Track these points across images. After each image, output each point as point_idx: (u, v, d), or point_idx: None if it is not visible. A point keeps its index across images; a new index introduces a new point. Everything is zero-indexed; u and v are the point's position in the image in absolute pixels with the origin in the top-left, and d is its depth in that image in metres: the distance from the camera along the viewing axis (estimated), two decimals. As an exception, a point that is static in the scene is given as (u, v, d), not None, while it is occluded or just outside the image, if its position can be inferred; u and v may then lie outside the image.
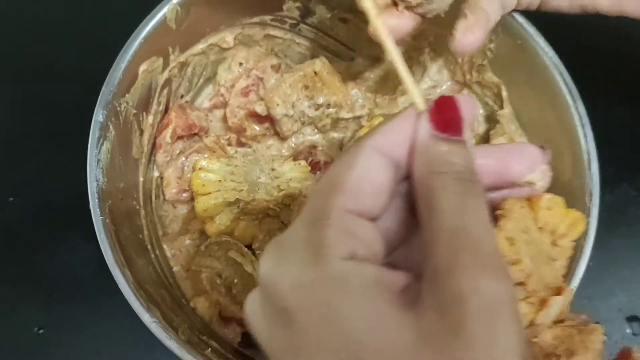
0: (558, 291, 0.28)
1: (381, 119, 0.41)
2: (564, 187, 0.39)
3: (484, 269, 0.19)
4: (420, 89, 0.23)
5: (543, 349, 0.31)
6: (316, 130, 0.44)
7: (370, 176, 0.21)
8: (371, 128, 0.23)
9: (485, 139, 0.45)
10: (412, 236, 0.24)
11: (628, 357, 0.33)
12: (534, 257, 0.27)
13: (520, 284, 0.26)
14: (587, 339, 0.31)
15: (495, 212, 0.26)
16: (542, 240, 0.28)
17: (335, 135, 0.45)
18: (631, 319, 0.46)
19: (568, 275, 0.35)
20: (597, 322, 0.32)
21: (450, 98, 0.22)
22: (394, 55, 0.25)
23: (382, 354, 0.18)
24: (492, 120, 0.45)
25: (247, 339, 0.40)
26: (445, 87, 0.46)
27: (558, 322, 0.31)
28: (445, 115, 0.22)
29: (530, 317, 0.27)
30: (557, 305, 0.28)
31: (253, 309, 0.21)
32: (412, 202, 0.23)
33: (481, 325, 0.18)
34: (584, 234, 0.33)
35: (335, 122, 0.44)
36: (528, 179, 0.24)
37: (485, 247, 0.19)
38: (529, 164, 0.24)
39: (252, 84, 0.43)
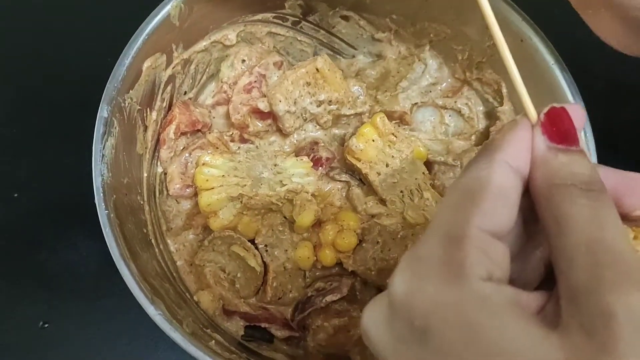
0: None
1: (383, 114, 0.41)
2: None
3: (630, 283, 0.18)
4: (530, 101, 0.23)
5: None
6: (318, 127, 0.45)
7: (506, 194, 0.21)
8: (492, 139, 0.22)
9: (485, 135, 0.45)
10: (523, 252, 0.23)
11: None
12: None
13: None
14: None
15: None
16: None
17: (336, 131, 0.46)
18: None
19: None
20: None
21: (562, 109, 0.22)
22: (512, 66, 0.25)
23: None
24: (492, 116, 0.45)
25: (250, 333, 0.40)
26: (446, 84, 0.47)
27: None
28: (559, 127, 0.21)
29: None
30: None
31: (376, 323, 0.21)
32: (525, 217, 0.23)
33: (632, 345, 0.17)
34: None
35: (337, 119, 0.45)
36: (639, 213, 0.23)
37: (627, 259, 0.18)
38: None
39: (255, 81, 0.43)
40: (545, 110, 0.22)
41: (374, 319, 0.21)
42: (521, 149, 0.22)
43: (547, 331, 0.18)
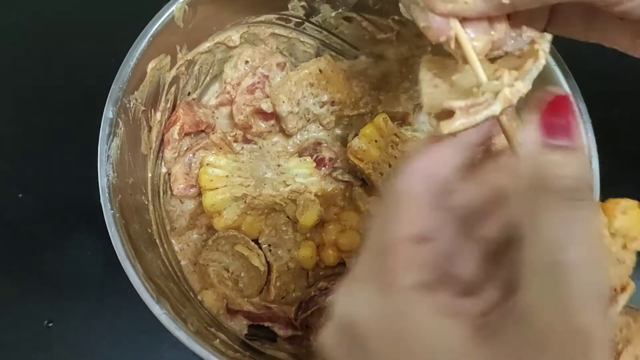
0: (623, 288, 0.28)
1: (385, 115, 0.41)
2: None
3: (584, 311, 0.18)
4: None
5: None
6: (321, 127, 0.45)
7: (419, 200, 0.21)
8: (414, 150, 0.23)
9: (487, 135, 0.45)
10: (466, 252, 0.23)
11: None
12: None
13: None
14: None
15: None
16: (613, 243, 0.28)
17: (339, 132, 0.46)
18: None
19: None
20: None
21: (566, 98, 0.20)
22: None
23: None
24: (493, 117, 0.45)
25: (254, 332, 0.41)
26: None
27: None
28: (557, 119, 0.19)
29: None
30: (623, 300, 0.28)
31: (331, 343, 0.22)
32: (463, 217, 0.23)
33: None
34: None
35: (339, 119, 0.45)
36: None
37: (588, 283, 0.18)
38: None
39: (258, 82, 0.43)
40: (548, 97, 0.20)
41: (329, 341, 0.22)
42: (434, 160, 0.22)
43: (477, 343, 0.18)
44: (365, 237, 0.22)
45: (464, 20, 0.24)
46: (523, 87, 0.22)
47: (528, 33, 0.26)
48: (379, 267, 0.21)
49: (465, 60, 0.25)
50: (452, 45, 0.23)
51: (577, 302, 0.18)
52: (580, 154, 0.19)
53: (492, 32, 0.24)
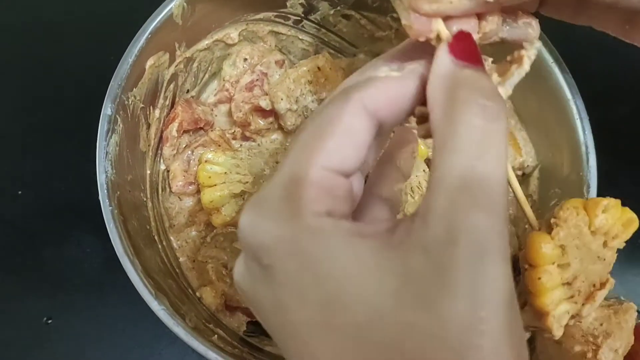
0: (603, 284, 0.29)
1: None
2: (563, 180, 0.40)
3: (481, 208, 0.18)
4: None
5: (583, 330, 0.32)
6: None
7: (353, 133, 0.20)
8: (360, 80, 0.21)
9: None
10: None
11: None
12: (582, 259, 0.27)
13: (567, 284, 0.27)
14: (622, 319, 0.32)
15: (550, 220, 0.27)
16: (594, 241, 0.28)
17: (337, 129, 0.46)
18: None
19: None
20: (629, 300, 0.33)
21: (468, 33, 0.21)
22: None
23: (364, 302, 0.18)
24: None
25: (252, 328, 0.41)
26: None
27: None
28: (465, 46, 0.21)
29: (572, 313, 0.28)
30: (602, 297, 0.29)
31: (240, 272, 0.21)
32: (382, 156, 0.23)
33: (467, 268, 0.17)
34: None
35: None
36: None
37: (491, 189, 0.18)
38: None
39: (257, 79, 0.43)
40: (454, 34, 0.21)
41: (238, 269, 0.22)
42: (385, 93, 0.21)
43: (386, 254, 0.18)
44: (285, 157, 0.21)
45: (450, 17, 0.24)
46: (503, 92, 0.22)
47: (524, 19, 0.26)
48: (289, 192, 0.20)
49: None
50: (434, 43, 0.23)
51: (474, 203, 0.18)
52: (490, 77, 0.21)
53: (484, 24, 0.24)
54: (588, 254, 0.28)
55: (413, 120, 0.23)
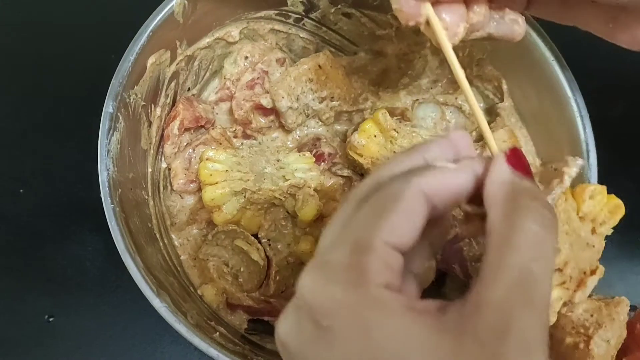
0: (593, 272, 0.29)
1: (384, 110, 0.42)
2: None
3: (534, 309, 0.20)
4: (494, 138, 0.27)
5: (574, 322, 0.32)
6: (320, 123, 0.45)
7: (413, 214, 0.22)
8: (423, 167, 0.24)
9: (486, 131, 0.46)
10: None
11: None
12: (572, 245, 0.28)
13: (558, 270, 0.28)
14: (613, 311, 0.33)
15: None
16: (583, 227, 0.29)
17: (338, 127, 0.46)
18: (630, 308, 0.47)
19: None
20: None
21: (520, 150, 0.24)
22: (476, 107, 0.26)
23: None
24: (492, 113, 0.46)
25: (253, 326, 0.41)
26: (446, 80, 0.47)
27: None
28: (521, 161, 0.24)
29: (565, 300, 0.29)
30: (593, 283, 0.29)
31: (288, 328, 0.22)
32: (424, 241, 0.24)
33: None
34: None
35: (339, 115, 0.45)
36: None
37: (543, 292, 0.20)
38: None
39: (258, 78, 0.43)
40: (511, 147, 0.24)
41: (286, 325, 0.23)
42: (441, 183, 0.23)
43: (441, 335, 0.20)
44: (350, 223, 0.23)
45: (439, 3, 0.25)
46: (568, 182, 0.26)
47: (511, 16, 0.26)
48: (355, 261, 0.21)
49: (439, 46, 0.25)
50: (422, 28, 0.23)
51: (528, 301, 0.20)
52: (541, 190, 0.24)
53: (471, 15, 0.24)
54: (577, 240, 0.28)
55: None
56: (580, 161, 0.27)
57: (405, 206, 0.22)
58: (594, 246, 0.29)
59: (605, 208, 0.30)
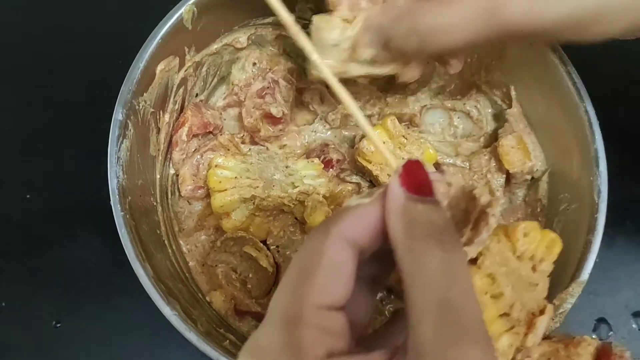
0: (542, 311, 0.28)
1: (393, 117, 0.41)
2: (573, 185, 0.40)
3: (470, 341, 0.19)
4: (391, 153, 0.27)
5: None
6: (328, 127, 0.45)
7: (339, 267, 0.21)
8: (336, 213, 0.23)
9: (494, 137, 0.46)
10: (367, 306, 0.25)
11: (609, 354, 0.33)
12: (515, 286, 0.27)
13: (505, 314, 0.27)
14: (572, 352, 0.32)
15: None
16: (522, 267, 0.28)
17: (346, 133, 0.46)
18: (637, 314, 0.47)
19: (575, 274, 0.36)
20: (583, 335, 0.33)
21: (417, 161, 0.23)
22: (363, 124, 0.26)
23: None
24: (500, 119, 0.46)
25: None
26: (454, 86, 0.47)
27: (545, 338, 0.31)
28: (415, 178, 0.22)
29: (517, 345, 0.27)
30: (543, 324, 0.28)
31: None
32: (366, 280, 0.24)
33: None
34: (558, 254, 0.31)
35: (345, 119, 0.45)
36: None
37: (471, 317, 0.19)
38: None
39: (268, 87, 0.43)
40: (402, 163, 0.23)
41: None
42: (365, 222, 0.22)
43: None
44: (274, 299, 0.22)
45: None
46: (471, 250, 0.24)
47: None
48: (290, 338, 0.20)
49: None
50: None
51: (461, 335, 0.19)
52: (441, 206, 0.22)
53: None
54: (519, 281, 0.27)
55: None
56: (502, 200, 0.26)
57: (330, 260, 0.21)
58: (537, 285, 0.28)
59: (541, 244, 0.28)
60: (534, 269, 0.28)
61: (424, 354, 0.19)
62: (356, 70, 0.34)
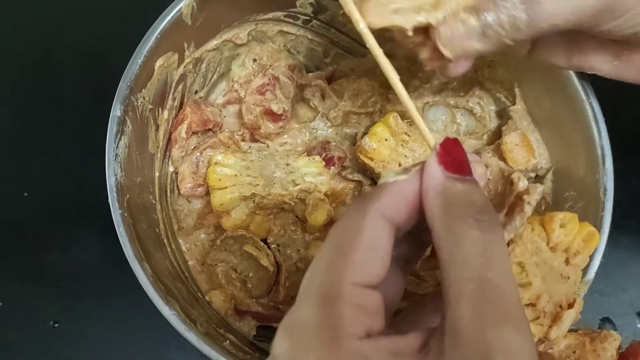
0: (570, 305, 0.28)
1: (395, 114, 0.41)
2: (578, 183, 0.39)
3: (509, 323, 0.18)
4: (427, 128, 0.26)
5: (555, 358, 0.31)
6: (329, 124, 0.45)
7: (377, 245, 0.21)
8: (374, 189, 0.23)
9: (497, 134, 0.45)
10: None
11: (637, 353, 0.33)
12: (545, 277, 0.26)
13: (531, 305, 0.26)
14: (598, 347, 0.31)
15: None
16: (555, 258, 0.27)
17: (347, 130, 0.46)
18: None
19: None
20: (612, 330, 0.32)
21: (455, 140, 0.22)
22: (405, 98, 0.26)
23: None
24: (504, 116, 0.45)
25: (262, 333, 0.40)
26: (457, 83, 0.47)
27: (570, 330, 0.30)
28: (454, 157, 0.22)
29: (539, 336, 0.27)
30: (570, 318, 0.27)
31: None
32: (399, 260, 0.23)
33: None
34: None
35: (347, 116, 0.45)
36: None
37: (510, 299, 0.19)
38: None
39: (268, 84, 0.43)
40: (440, 141, 0.22)
41: None
42: (397, 198, 0.22)
43: None
44: (311, 275, 0.21)
45: None
46: (507, 235, 0.24)
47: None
48: (328, 316, 0.20)
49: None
50: None
51: (500, 316, 0.19)
52: (480, 185, 0.22)
53: None
54: (550, 272, 0.27)
55: None
56: (540, 188, 0.25)
57: (368, 237, 0.21)
58: (568, 278, 0.28)
59: (578, 237, 0.28)
60: (567, 261, 0.28)
61: (463, 334, 0.18)
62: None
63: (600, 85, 0.39)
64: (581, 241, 0.28)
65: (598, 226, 0.36)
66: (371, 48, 0.26)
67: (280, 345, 0.21)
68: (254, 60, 0.45)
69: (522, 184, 0.24)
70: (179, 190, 0.42)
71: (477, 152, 0.25)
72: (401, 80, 0.47)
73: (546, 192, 0.42)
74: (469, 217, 0.20)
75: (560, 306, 0.28)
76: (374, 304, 0.21)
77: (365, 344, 0.19)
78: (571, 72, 0.39)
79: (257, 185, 0.39)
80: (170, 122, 0.42)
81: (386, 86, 0.46)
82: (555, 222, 0.27)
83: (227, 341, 0.35)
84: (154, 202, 0.40)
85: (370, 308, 0.20)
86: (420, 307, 0.26)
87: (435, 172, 0.22)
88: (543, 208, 0.42)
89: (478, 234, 0.20)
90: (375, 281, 0.21)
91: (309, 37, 0.47)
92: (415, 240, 0.25)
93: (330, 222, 0.41)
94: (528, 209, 0.24)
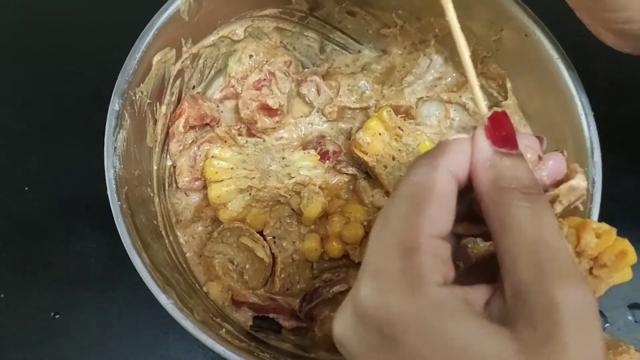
0: None
1: (389, 108, 0.42)
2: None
3: (569, 279, 0.20)
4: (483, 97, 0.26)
5: None
6: (324, 119, 0.45)
7: (447, 199, 0.22)
8: (436, 147, 0.24)
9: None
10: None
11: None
12: None
13: None
14: None
15: None
16: (579, 264, 0.26)
17: (342, 125, 0.46)
18: (633, 306, 0.47)
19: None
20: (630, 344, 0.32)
21: (503, 113, 0.23)
22: (467, 61, 0.26)
23: None
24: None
25: (258, 323, 0.41)
26: (451, 78, 0.47)
27: None
28: (501, 131, 0.23)
29: None
30: None
31: (349, 333, 0.22)
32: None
33: (573, 333, 0.19)
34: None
35: (342, 111, 0.45)
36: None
37: (564, 256, 0.20)
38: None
39: (264, 79, 0.43)
40: (489, 114, 0.23)
41: (344, 330, 0.22)
42: (461, 156, 0.23)
43: (498, 327, 0.20)
44: (387, 226, 0.22)
45: None
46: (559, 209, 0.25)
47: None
48: (407, 264, 0.21)
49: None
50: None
51: (558, 273, 0.20)
52: (525, 159, 0.23)
53: None
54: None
55: None
56: (580, 191, 0.25)
57: (440, 193, 0.22)
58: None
59: (609, 250, 0.26)
60: (590, 270, 0.27)
61: (525, 293, 0.20)
62: None
63: (591, 82, 0.39)
64: (613, 256, 0.27)
65: (586, 218, 0.36)
66: (449, 18, 0.26)
67: (365, 287, 0.22)
68: (251, 56, 0.45)
69: (582, 183, 0.25)
70: (176, 183, 0.43)
71: (540, 138, 0.25)
72: (396, 76, 0.48)
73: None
74: (516, 191, 0.22)
75: None
76: (446, 253, 0.22)
77: (443, 290, 0.21)
78: (562, 68, 0.39)
79: (253, 178, 0.40)
80: (168, 117, 0.43)
81: (381, 81, 0.47)
82: (589, 230, 0.26)
83: (224, 330, 0.35)
84: (152, 195, 0.41)
85: (445, 257, 0.22)
86: (478, 266, 0.27)
87: (483, 146, 0.23)
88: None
89: (526, 204, 0.21)
90: (445, 233, 0.22)
91: (305, 33, 0.47)
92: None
93: (324, 215, 0.41)
94: (558, 208, 0.24)
